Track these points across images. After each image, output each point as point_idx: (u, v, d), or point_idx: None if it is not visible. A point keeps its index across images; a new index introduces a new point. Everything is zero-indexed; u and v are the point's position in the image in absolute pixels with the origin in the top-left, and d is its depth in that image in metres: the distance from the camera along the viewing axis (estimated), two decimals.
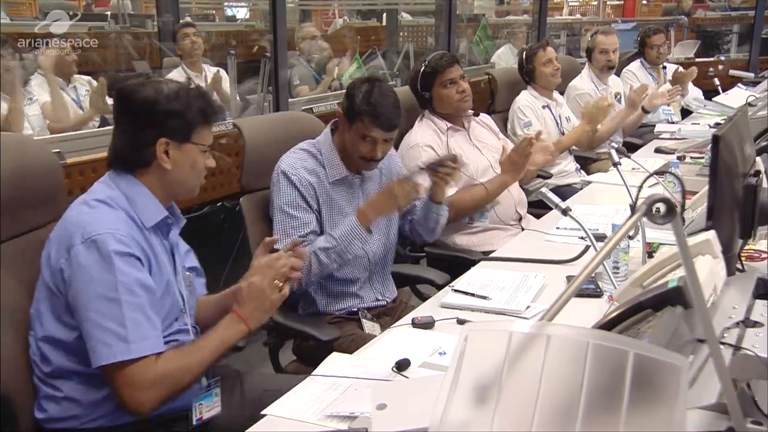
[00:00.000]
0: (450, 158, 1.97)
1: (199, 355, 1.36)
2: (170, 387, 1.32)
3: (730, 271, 1.27)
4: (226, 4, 7.83)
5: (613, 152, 2.02)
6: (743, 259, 1.72)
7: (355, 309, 1.95)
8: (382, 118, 1.83)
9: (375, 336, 1.78)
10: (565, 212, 1.64)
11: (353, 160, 1.92)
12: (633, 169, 2.53)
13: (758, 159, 1.80)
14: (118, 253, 1.29)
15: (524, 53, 3.30)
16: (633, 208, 1.79)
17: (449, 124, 2.48)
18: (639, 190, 1.42)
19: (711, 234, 1.19)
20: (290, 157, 1.93)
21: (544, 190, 1.71)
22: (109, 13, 4.55)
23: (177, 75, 3.62)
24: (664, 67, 4.34)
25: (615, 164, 1.98)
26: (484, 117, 2.69)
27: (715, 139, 1.23)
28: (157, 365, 1.30)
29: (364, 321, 1.91)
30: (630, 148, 3.66)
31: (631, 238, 1.64)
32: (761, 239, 1.71)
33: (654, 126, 3.89)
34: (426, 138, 2.40)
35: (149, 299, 1.32)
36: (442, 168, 1.95)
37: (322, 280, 1.93)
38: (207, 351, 1.36)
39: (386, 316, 2.01)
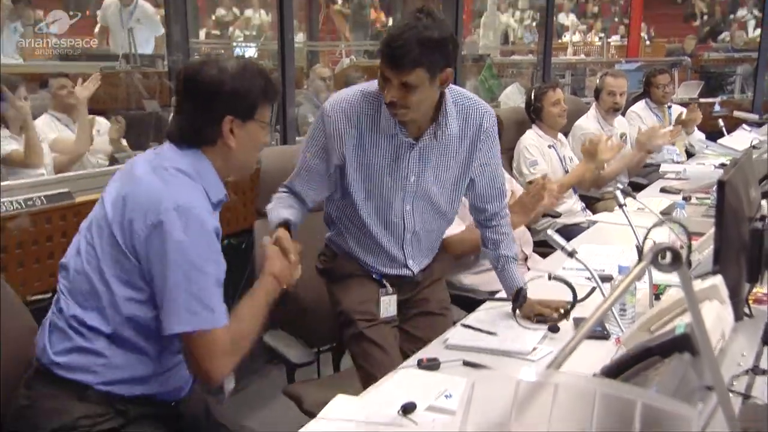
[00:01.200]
0: (560, 306, 1.79)
1: (253, 318, 1.41)
2: (240, 352, 1.37)
3: (738, 316, 1.27)
4: (234, 44, 8.01)
5: (618, 194, 2.03)
6: (751, 302, 1.72)
7: (377, 276, 1.85)
8: (388, 51, 1.55)
9: (389, 318, 1.79)
10: (571, 255, 1.64)
11: None
12: (638, 209, 2.54)
13: (764, 202, 1.81)
14: (208, 227, 1.34)
15: (533, 92, 3.34)
16: (639, 250, 1.80)
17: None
18: (646, 236, 1.42)
19: (718, 279, 1.19)
20: (341, 96, 1.73)
21: (550, 232, 1.71)
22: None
23: None
24: (670, 107, 4.39)
25: (620, 206, 1.99)
26: None
27: (721, 184, 1.24)
28: (229, 333, 1.35)
29: (382, 298, 1.82)
30: (635, 187, 3.67)
31: (637, 279, 1.62)
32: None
33: (659, 165, 3.91)
34: None
35: (222, 274, 1.38)
36: (548, 317, 1.78)
37: (354, 230, 1.82)
38: (258, 312, 1.42)
39: (410, 289, 1.90)
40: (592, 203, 3.47)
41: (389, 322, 1.83)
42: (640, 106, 4.35)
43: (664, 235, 2.23)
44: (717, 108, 5.57)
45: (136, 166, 1.42)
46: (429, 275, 1.95)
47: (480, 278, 2.42)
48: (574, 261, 1.87)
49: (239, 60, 1.44)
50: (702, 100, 5.58)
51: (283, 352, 1.86)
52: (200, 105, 1.39)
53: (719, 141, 3.46)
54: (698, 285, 1.19)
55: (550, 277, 1.79)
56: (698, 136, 4.18)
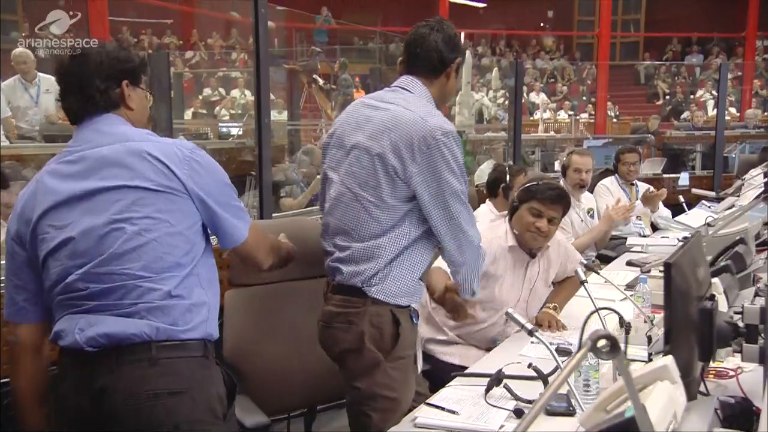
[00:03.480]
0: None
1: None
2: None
3: (692, 395, 1.30)
4: (220, 123, 8.21)
5: (579, 270, 2.09)
6: (712, 375, 1.76)
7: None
8: None
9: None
10: (531, 333, 1.68)
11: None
12: (606, 282, 2.60)
13: (716, 280, 1.88)
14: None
15: (508, 169, 3.40)
16: (603, 327, 1.83)
17: (514, 244, 2.41)
18: (586, 321, 1.46)
19: (668, 359, 1.23)
20: (440, 117, 1.80)
21: (510, 311, 1.76)
22: None
23: None
24: (634, 185, 4.56)
25: (582, 282, 2.05)
26: (559, 253, 2.57)
27: (667, 266, 1.30)
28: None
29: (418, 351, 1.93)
30: (604, 259, 3.77)
31: (577, 367, 1.66)
32: (728, 356, 1.75)
33: (626, 238, 4.02)
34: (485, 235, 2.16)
35: None
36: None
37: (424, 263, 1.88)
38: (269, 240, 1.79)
39: None
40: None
41: None
42: (609, 181, 4.50)
43: (629, 310, 2.30)
44: (683, 182, 5.79)
45: (106, 153, 1.52)
46: None
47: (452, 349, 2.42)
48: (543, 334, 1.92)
49: (113, 44, 1.70)
50: (665, 175, 5.81)
51: (240, 418, 1.86)
52: (98, 73, 1.57)
53: (676, 218, 3.59)
54: (649, 366, 1.22)
55: (529, 366, 1.82)
56: (664, 213, 4.31)
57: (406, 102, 1.81)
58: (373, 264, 1.78)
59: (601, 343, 0.81)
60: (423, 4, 14.03)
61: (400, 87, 1.85)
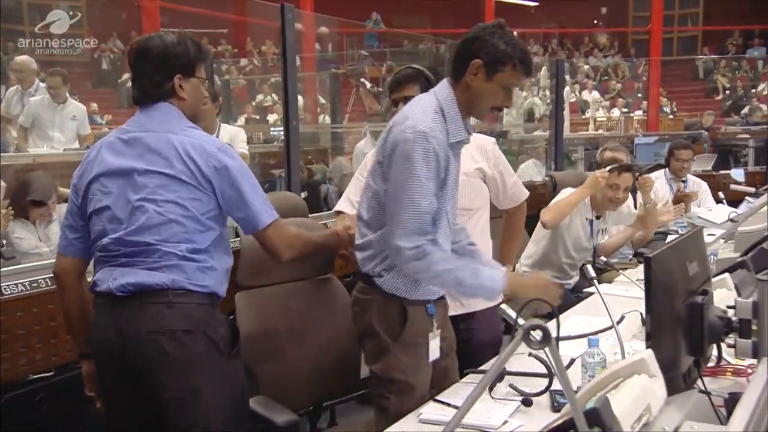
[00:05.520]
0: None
1: (303, 235, 1.97)
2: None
3: (676, 389, 1.29)
4: (272, 129, 8.45)
5: (589, 267, 2.07)
6: (729, 373, 1.71)
7: (431, 309, 1.91)
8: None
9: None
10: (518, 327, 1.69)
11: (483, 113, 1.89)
12: (638, 279, 2.55)
13: (726, 275, 1.84)
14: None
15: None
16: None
17: None
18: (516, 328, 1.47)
19: (647, 353, 1.23)
20: (425, 119, 1.77)
21: (504, 306, 1.78)
22: None
23: None
24: (684, 181, 4.44)
25: (590, 279, 2.03)
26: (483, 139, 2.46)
27: (647, 261, 1.30)
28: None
29: (431, 342, 1.91)
30: (641, 256, 3.68)
31: (512, 354, 1.62)
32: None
33: (666, 235, 3.93)
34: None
35: None
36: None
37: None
38: (309, 239, 2.00)
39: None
40: None
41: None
42: (656, 175, 4.39)
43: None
44: (739, 178, 5.56)
45: (150, 140, 1.77)
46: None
47: None
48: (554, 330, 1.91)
49: (175, 33, 1.83)
50: (715, 172, 5.60)
51: (270, 417, 1.92)
52: (155, 67, 1.79)
53: (699, 216, 3.48)
54: (627, 360, 1.23)
55: (530, 354, 1.82)
56: (698, 212, 4.19)
57: (411, 103, 1.88)
58: (381, 255, 1.85)
59: (535, 332, 0.84)
60: (472, 4, 13.96)
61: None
